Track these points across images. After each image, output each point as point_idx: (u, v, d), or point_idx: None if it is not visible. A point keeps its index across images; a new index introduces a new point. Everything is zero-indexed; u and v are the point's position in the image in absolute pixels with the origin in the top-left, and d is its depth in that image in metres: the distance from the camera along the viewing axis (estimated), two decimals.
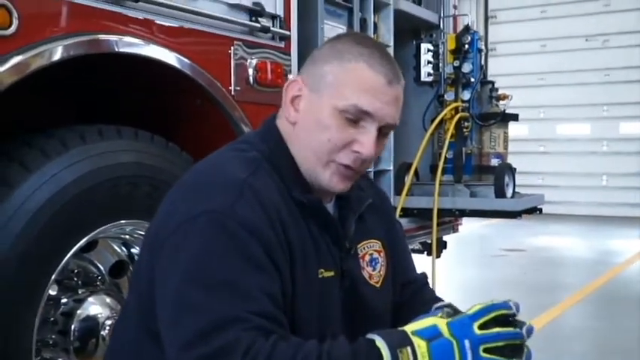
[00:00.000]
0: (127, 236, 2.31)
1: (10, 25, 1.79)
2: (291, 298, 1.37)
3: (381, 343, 1.26)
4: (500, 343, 1.26)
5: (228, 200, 1.33)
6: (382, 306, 1.64)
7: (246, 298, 1.27)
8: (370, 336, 1.29)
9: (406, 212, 3.84)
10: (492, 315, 1.28)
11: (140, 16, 2.20)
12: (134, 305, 1.47)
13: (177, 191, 1.45)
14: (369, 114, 1.41)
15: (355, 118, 1.41)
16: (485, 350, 1.25)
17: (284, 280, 1.35)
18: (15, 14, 1.80)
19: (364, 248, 1.63)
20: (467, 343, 1.25)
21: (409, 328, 1.31)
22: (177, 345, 1.27)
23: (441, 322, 1.30)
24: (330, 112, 1.41)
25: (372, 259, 1.64)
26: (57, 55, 1.92)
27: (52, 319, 2.13)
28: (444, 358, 1.25)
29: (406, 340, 1.27)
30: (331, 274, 1.48)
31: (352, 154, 1.43)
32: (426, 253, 4.14)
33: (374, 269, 1.63)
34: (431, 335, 1.28)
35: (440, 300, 1.63)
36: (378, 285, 1.63)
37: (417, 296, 1.77)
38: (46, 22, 1.92)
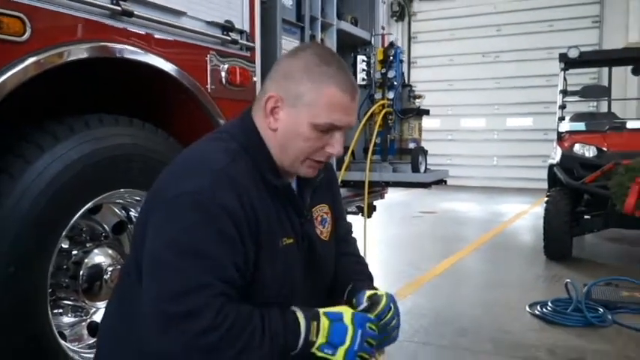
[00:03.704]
0: (126, 201, 2.22)
1: (24, 33, 1.70)
2: (256, 264, 1.34)
3: (300, 315, 1.33)
4: (373, 341, 1.37)
5: (207, 184, 1.28)
6: (330, 254, 1.63)
7: (215, 266, 1.24)
8: (293, 309, 1.35)
9: (345, 183, 3.82)
10: (374, 324, 1.40)
11: (133, 28, 2.09)
12: (134, 261, 1.41)
13: (168, 172, 1.38)
14: (338, 127, 1.38)
15: (328, 129, 1.37)
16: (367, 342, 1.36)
17: (248, 251, 1.31)
18: (28, 24, 1.70)
19: (317, 211, 1.60)
20: (360, 331, 1.35)
21: (325, 309, 1.38)
22: (154, 300, 1.24)
23: (347, 312, 1.38)
24: (308, 126, 1.36)
25: (322, 219, 1.61)
26: (64, 58, 1.82)
27: (65, 266, 2.05)
28: (337, 335, 1.33)
29: (317, 317, 1.34)
30: (291, 240, 1.45)
31: (326, 154, 1.42)
32: (360, 214, 4.13)
33: (324, 227, 1.61)
34: (335, 318, 1.36)
35: (365, 281, 1.66)
36: (326, 239, 1.61)
37: (350, 267, 1.74)
38: (54, 32, 1.81)
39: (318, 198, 1.60)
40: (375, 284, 1.71)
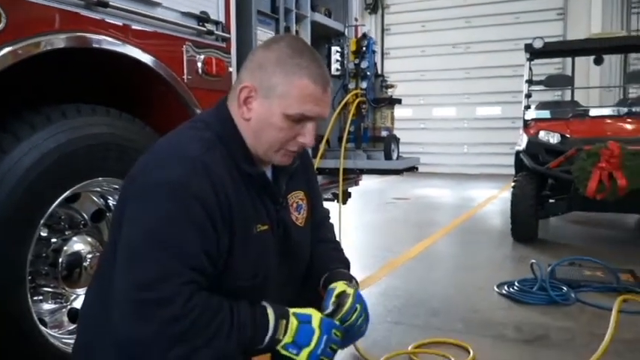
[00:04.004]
0: (104, 190, 2.18)
1: None
2: (229, 251, 1.33)
3: (270, 312, 1.34)
4: (336, 347, 1.40)
5: (183, 173, 1.26)
6: (305, 240, 1.62)
7: (187, 255, 1.24)
8: (264, 304, 1.36)
9: (320, 171, 3.81)
10: (339, 331, 1.42)
11: (110, 19, 2.05)
12: (112, 248, 1.38)
13: (144, 161, 1.36)
14: (310, 117, 1.38)
15: (300, 119, 1.37)
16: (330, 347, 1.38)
17: (221, 238, 1.30)
18: (3, 14, 1.65)
19: (292, 198, 1.59)
20: (325, 337, 1.37)
21: (294, 310, 1.39)
22: (124, 287, 1.22)
23: (316, 315, 1.39)
24: (280, 116, 1.36)
25: (298, 206, 1.61)
26: (42, 47, 1.78)
27: (44, 254, 2.01)
28: (303, 336, 1.35)
29: (286, 316, 1.36)
30: (266, 227, 1.44)
31: (298, 144, 1.41)
32: (335, 200, 4.13)
33: (299, 213, 1.60)
34: (303, 320, 1.37)
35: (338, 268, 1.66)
36: (302, 225, 1.60)
37: (327, 253, 1.74)
38: (29, 22, 1.76)
39: (293, 184, 1.59)
40: (352, 268, 1.71)
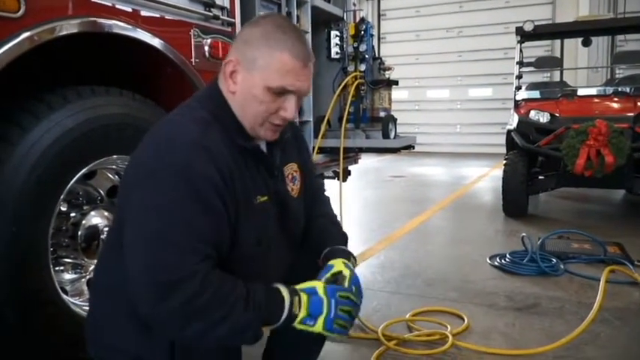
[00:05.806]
0: (119, 167, 2.20)
1: (18, 10, 1.66)
2: (235, 224, 1.34)
3: (284, 290, 1.35)
4: (346, 307, 1.39)
5: (186, 156, 1.26)
6: (300, 210, 1.64)
7: (200, 232, 1.24)
8: (276, 285, 1.36)
9: (322, 150, 3.84)
10: (344, 293, 1.41)
11: (120, 5, 2.06)
12: (117, 230, 1.38)
13: (147, 146, 1.33)
14: (291, 91, 1.37)
15: (281, 92, 1.36)
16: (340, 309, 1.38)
17: (229, 215, 1.32)
18: (22, 1, 1.67)
19: (287, 170, 1.60)
20: (333, 301, 1.37)
21: (297, 286, 1.40)
22: (143, 268, 1.21)
23: (319, 285, 1.40)
24: (262, 89, 1.35)
25: (293, 177, 1.62)
26: (57, 32, 1.78)
27: (64, 227, 2.05)
28: (315, 306, 1.36)
29: (297, 292, 1.37)
30: (265, 198, 1.45)
31: (280, 117, 1.40)
32: (336, 178, 4.16)
33: (294, 184, 1.62)
34: (310, 292, 1.38)
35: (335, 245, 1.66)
36: (296, 196, 1.62)
37: (327, 229, 1.74)
38: (46, 8, 1.77)
39: (287, 157, 1.60)
40: (352, 241, 1.73)
